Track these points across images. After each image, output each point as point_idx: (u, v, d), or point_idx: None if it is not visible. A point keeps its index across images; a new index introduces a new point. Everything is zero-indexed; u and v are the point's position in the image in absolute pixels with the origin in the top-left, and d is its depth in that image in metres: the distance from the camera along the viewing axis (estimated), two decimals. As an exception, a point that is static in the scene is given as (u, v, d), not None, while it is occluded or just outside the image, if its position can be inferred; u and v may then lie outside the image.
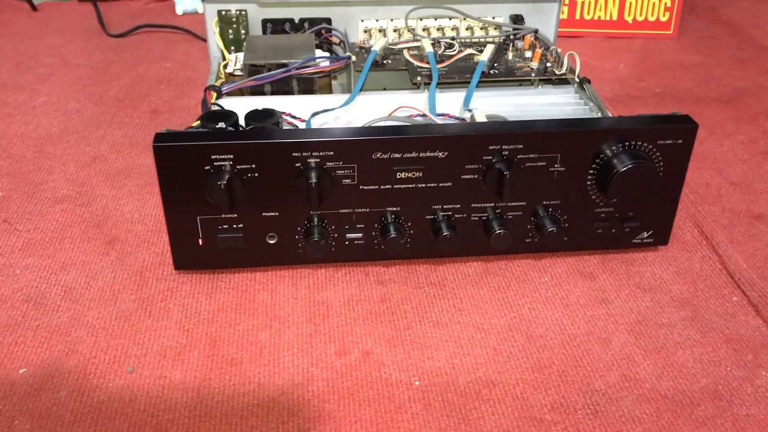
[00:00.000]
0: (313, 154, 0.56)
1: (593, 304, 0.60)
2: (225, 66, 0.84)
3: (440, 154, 0.58)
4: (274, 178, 0.57)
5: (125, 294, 0.60)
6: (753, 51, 1.10)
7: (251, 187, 0.57)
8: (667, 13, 1.12)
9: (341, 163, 0.57)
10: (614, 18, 1.13)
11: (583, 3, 1.13)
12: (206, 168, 0.56)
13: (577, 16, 1.14)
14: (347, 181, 0.58)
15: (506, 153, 0.58)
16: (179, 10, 1.21)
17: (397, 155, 0.57)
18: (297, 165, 0.57)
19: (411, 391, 0.52)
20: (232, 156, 0.56)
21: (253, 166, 0.56)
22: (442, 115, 0.69)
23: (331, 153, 0.56)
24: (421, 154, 0.57)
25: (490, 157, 0.58)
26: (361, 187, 0.59)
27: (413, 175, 0.58)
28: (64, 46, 1.08)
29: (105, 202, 0.72)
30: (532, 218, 0.62)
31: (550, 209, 0.62)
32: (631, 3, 1.12)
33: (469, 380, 0.53)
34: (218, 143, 0.55)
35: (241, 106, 0.67)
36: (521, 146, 0.58)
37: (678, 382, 0.53)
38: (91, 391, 0.51)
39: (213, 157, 0.55)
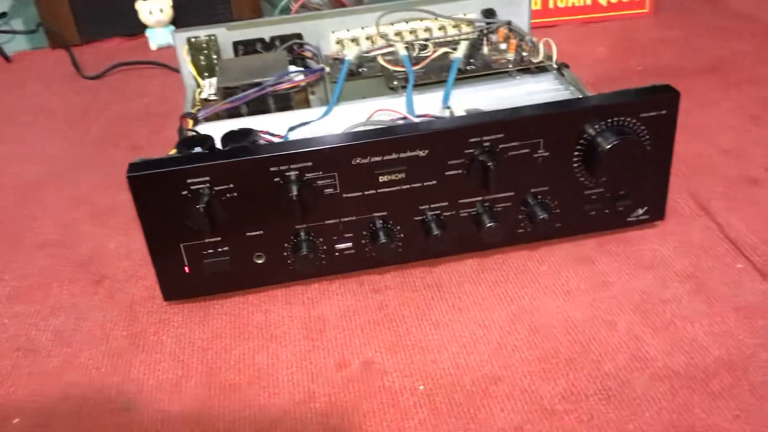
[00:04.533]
0: (291, 166, 0.55)
1: (594, 288, 0.59)
2: (200, 93, 0.83)
3: (421, 152, 0.56)
4: (255, 195, 0.56)
5: (116, 331, 0.59)
6: (730, 20, 1.09)
7: (232, 207, 0.56)
8: (641, -8, 1.12)
9: (321, 172, 0.56)
10: (588, 3, 1.13)
11: (555, -9, 1.12)
12: (183, 193, 0.55)
13: (551, 5, 1.13)
14: (329, 190, 0.57)
15: (488, 144, 0.57)
16: (153, 46, 1.21)
17: (377, 158, 0.56)
18: (276, 180, 0.55)
19: (416, 397, 0.50)
20: (208, 178, 0.54)
21: (231, 185, 0.55)
22: (422, 116, 0.68)
23: (310, 163, 0.55)
24: (401, 155, 0.56)
25: (472, 150, 0.57)
26: (344, 195, 0.57)
27: (396, 177, 0.57)
28: (42, 93, 1.07)
29: (90, 242, 0.71)
30: (522, 208, 0.61)
31: (539, 196, 0.60)
32: (603, -14, 1.11)
33: (474, 378, 0.52)
34: (193, 166, 0.54)
35: (219, 130, 0.66)
36: (502, 135, 0.57)
37: (690, 356, 0.51)
38: (88, 434, 0.50)
39: (189, 181, 0.54)
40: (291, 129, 0.66)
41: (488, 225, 0.59)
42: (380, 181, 0.57)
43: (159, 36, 1.20)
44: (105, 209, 0.76)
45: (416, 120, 0.63)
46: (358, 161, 0.56)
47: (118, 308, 0.61)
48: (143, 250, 0.68)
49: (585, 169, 0.59)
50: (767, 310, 0.55)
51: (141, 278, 0.64)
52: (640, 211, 0.63)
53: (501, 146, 0.57)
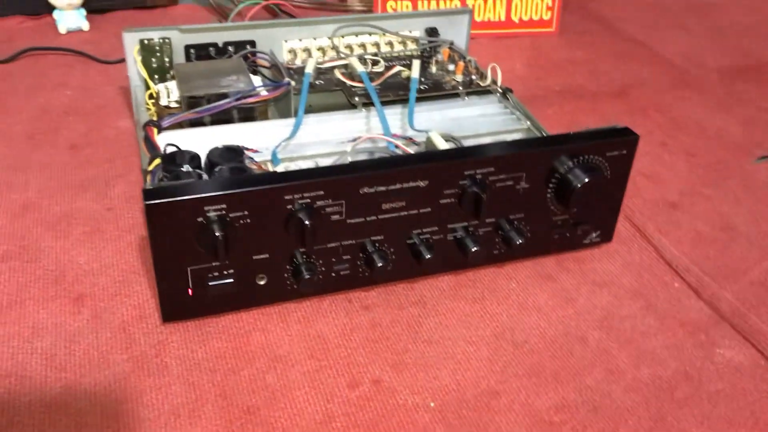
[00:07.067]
0: (305, 195, 0.57)
1: (561, 304, 0.66)
2: (151, 96, 0.82)
3: (422, 183, 0.61)
4: (266, 221, 0.57)
5: (115, 354, 0.58)
6: (627, 45, 1.21)
7: (243, 232, 0.57)
8: (549, 12, 1.21)
9: (330, 200, 0.58)
10: (502, 18, 1.20)
11: (473, 6, 1.19)
12: (199, 220, 0.55)
13: (469, 19, 1.19)
14: (336, 217, 0.59)
15: (479, 176, 0.62)
16: (62, 29, 1.14)
17: (382, 188, 0.59)
18: (288, 207, 0.57)
19: (429, 413, 0.55)
20: (225, 205, 0.55)
21: (246, 212, 0.56)
22: (396, 136, 0.72)
23: (321, 192, 0.58)
24: (405, 185, 0.60)
25: (465, 182, 0.62)
26: (348, 221, 0.60)
27: (397, 204, 0.61)
28: (-58, 77, 0.99)
29: (55, 254, 0.68)
30: (500, 232, 0.67)
31: (515, 222, 0.66)
32: (516, 4, 1.19)
33: (476, 393, 0.57)
34: (214, 194, 0.54)
35: (182, 140, 0.68)
36: (493, 169, 0.62)
37: (653, 369, 0.60)
38: (118, 465, 0.50)
39: (207, 208, 0.55)
40: (277, 147, 0.68)
41: (476, 249, 0.64)
42: (383, 208, 0.61)
43: (69, 19, 1.14)
44: (60, 218, 0.73)
45: (408, 149, 0.67)
46: (365, 190, 0.59)
47: (109, 329, 0.60)
48: (119, 265, 0.67)
49: (557, 199, 0.66)
50: (706, 325, 0.65)
51: (126, 297, 0.64)
52: (594, 235, 0.71)
53: (491, 178, 0.63)
